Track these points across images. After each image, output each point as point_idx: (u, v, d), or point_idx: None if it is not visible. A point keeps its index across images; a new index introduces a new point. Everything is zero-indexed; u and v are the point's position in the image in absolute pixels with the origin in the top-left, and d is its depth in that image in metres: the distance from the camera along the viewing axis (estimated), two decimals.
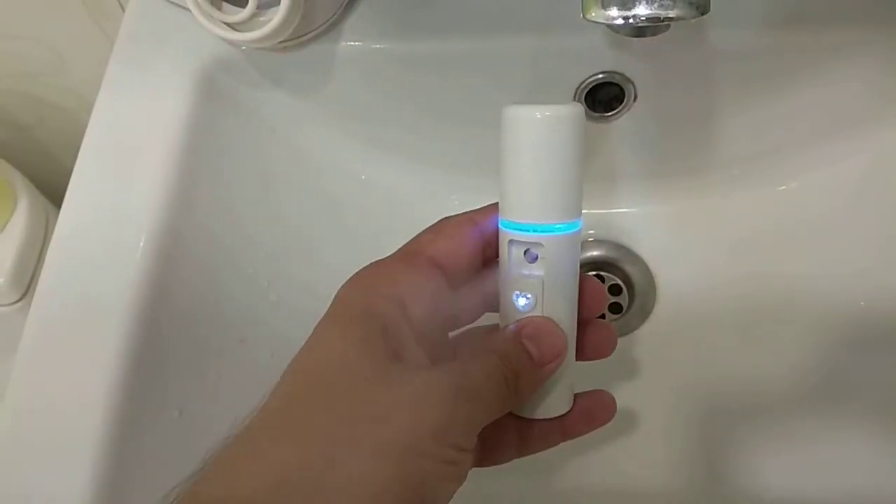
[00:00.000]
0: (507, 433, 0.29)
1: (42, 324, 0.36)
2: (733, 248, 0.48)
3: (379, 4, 0.43)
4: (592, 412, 0.30)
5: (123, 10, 0.45)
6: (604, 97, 0.45)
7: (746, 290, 0.47)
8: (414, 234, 0.29)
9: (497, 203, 0.28)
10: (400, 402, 0.23)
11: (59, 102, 0.73)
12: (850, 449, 0.41)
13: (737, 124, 0.46)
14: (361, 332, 0.25)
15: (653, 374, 0.46)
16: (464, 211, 0.29)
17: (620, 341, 0.47)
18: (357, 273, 0.27)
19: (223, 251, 0.41)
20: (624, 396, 0.43)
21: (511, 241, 0.27)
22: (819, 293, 0.45)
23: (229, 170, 0.43)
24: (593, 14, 0.34)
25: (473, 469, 0.27)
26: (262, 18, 0.39)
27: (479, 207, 0.29)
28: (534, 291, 0.27)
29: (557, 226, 0.27)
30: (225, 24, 0.39)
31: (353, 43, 0.43)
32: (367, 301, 0.26)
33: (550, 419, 0.29)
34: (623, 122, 0.46)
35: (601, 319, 0.31)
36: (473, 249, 0.28)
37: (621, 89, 0.45)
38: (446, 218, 0.29)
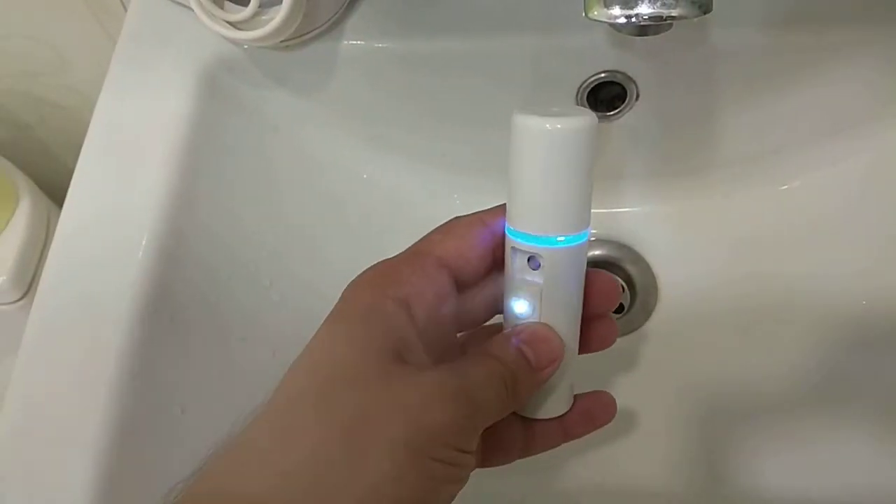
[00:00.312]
0: (511, 434, 0.29)
1: (43, 323, 0.36)
2: (735, 248, 0.48)
3: (381, 3, 0.43)
4: (593, 413, 0.30)
5: (125, 8, 0.45)
6: (606, 96, 0.45)
7: (748, 289, 0.47)
8: (415, 233, 0.29)
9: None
10: (401, 405, 0.23)
11: (61, 102, 0.73)
12: (850, 449, 0.41)
13: (738, 124, 0.46)
14: (366, 334, 0.25)
15: (654, 373, 0.46)
16: (466, 210, 0.29)
17: (622, 341, 0.47)
18: (363, 272, 0.27)
19: (225, 250, 0.41)
20: (625, 396, 0.43)
21: (514, 248, 0.27)
22: (820, 293, 0.45)
23: (231, 169, 0.43)
24: (596, 13, 0.34)
25: (475, 469, 0.27)
26: (264, 17, 0.39)
27: (490, 207, 0.29)
28: (533, 298, 0.27)
29: (561, 239, 0.26)
30: (227, 22, 0.39)
31: (355, 42, 0.43)
32: (372, 301, 0.26)
33: (549, 420, 0.29)
34: (625, 122, 0.46)
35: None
36: (483, 251, 0.28)
37: (623, 88, 0.45)
38: (457, 217, 0.29)
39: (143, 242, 0.37)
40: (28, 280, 0.64)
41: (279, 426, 0.24)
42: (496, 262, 0.29)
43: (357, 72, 0.45)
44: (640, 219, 0.50)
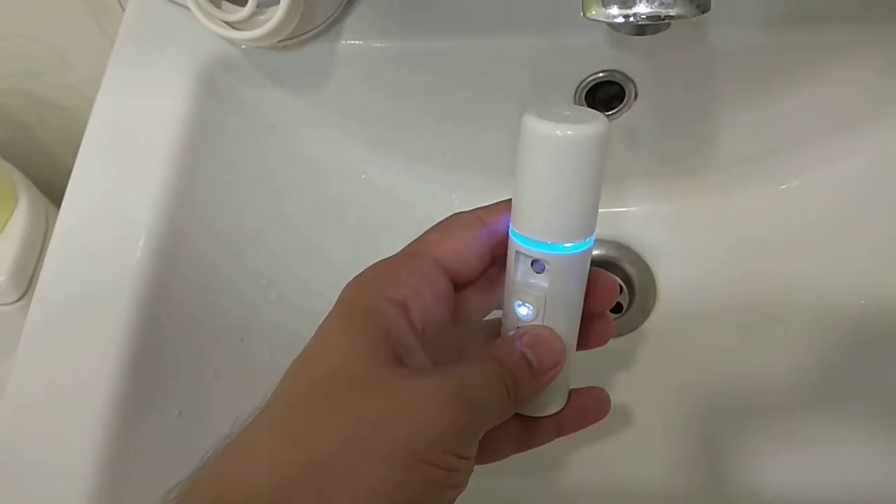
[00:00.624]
0: (507, 430, 0.29)
1: (42, 322, 0.36)
2: (733, 248, 0.48)
3: (379, 3, 0.43)
4: (587, 408, 0.30)
5: (123, 8, 0.45)
6: (604, 96, 0.45)
7: (746, 289, 0.47)
8: (413, 233, 0.29)
9: (508, 201, 0.27)
10: (400, 409, 0.23)
11: (60, 101, 0.73)
12: (850, 448, 0.41)
13: (737, 123, 0.46)
14: (364, 336, 0.25)
15: (653, 373, 0.46)
16: (466, 209, 0.29)
17: (621, 340, 0.47)
18: (360, 274, 0.27)
19: (223, 250, 0.41)
20: (624, 395, 0.44)
21: (519, 252, 0.27)
22: (819, 292, 0.45)
23: (229, 168, 0.43)
24: (594, 12, 0.34)
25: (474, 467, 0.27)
26: (261, 17, 0.39)
27: (489, 205, 0.28)
28: (537, 301, 0.27)
29: (566, 246, 0.26)
30: (225, 22, 0.39)
31: (353, 42, 0.43)
32: (370, 303, 0.26)
33: (545, 417, 0.29)
34: (623, 121, 0.46)
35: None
36: (481, 250, 0.28)
37: (622, 88, 0.45)
38: (456, 214, 0.28)
39: (141, 241, 0.37)
40: (27, 280, 0.64)
41: (278, 428, 0.23)
42: (494, 260, 0.29)
43: (355, 72, 0.44)
44: (638, 218, 0.50)
